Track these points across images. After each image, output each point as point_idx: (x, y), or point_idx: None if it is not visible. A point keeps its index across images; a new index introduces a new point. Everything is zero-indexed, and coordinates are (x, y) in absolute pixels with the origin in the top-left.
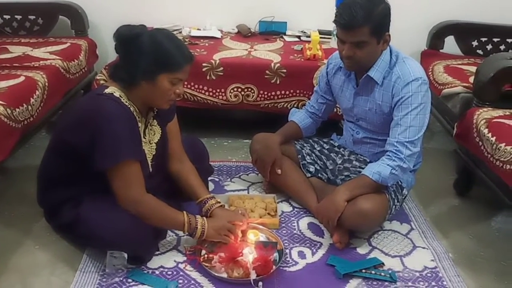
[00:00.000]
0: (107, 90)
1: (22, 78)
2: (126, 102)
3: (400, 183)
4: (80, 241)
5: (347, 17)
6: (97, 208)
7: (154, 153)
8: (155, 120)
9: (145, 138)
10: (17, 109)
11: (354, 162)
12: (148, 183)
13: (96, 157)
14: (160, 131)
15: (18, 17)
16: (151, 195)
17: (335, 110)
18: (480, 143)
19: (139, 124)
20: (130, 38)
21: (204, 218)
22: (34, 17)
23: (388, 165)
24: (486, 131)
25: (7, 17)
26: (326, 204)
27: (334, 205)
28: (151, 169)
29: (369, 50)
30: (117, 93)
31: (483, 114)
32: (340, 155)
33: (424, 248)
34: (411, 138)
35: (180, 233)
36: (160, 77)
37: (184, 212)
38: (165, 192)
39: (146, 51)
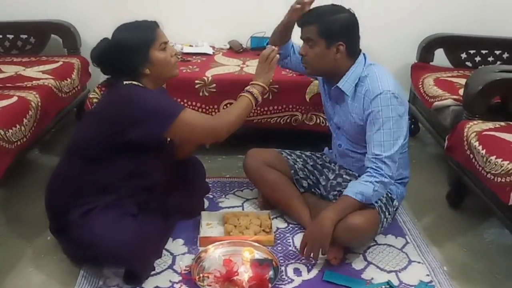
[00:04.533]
0: (125, 82)
1: (15, 99)
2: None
3: (390, 195)
4: (79, 252)
5: (304, 15)
6: (105, 216)
7: None
8: None
9: None
10: (10, 130)
11: (344, 176)
12: (168, 159)
13: (151, 128)
14: None
15: (10, 36)
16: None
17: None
18: (471, 156)
19: None
20: (109, 48)
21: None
22: (26, 36)
23: (370, 182)
24: (476, 144)
25: None
26: (314, 230)
27: (322, 232)
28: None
29: (317, 52)
30: (135, 82)
31: (474, 127)
32: (331, 170)
33: (419, 262)
34: (388, 153)
35: (175, 252)
36: (151, 53)
37: (245, 90)
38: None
39: (126, 46)
